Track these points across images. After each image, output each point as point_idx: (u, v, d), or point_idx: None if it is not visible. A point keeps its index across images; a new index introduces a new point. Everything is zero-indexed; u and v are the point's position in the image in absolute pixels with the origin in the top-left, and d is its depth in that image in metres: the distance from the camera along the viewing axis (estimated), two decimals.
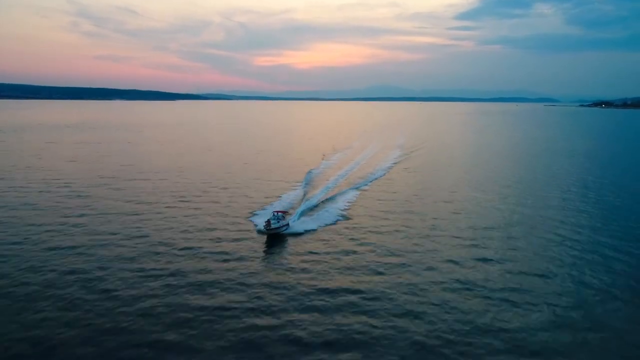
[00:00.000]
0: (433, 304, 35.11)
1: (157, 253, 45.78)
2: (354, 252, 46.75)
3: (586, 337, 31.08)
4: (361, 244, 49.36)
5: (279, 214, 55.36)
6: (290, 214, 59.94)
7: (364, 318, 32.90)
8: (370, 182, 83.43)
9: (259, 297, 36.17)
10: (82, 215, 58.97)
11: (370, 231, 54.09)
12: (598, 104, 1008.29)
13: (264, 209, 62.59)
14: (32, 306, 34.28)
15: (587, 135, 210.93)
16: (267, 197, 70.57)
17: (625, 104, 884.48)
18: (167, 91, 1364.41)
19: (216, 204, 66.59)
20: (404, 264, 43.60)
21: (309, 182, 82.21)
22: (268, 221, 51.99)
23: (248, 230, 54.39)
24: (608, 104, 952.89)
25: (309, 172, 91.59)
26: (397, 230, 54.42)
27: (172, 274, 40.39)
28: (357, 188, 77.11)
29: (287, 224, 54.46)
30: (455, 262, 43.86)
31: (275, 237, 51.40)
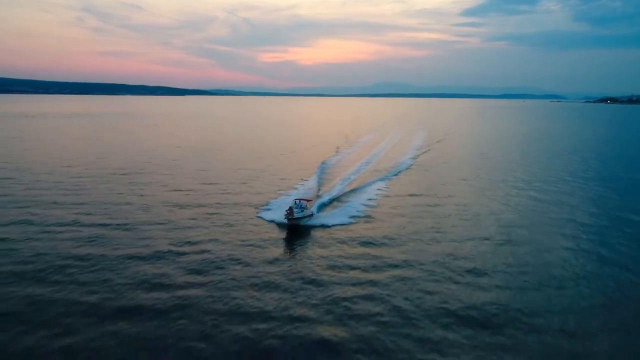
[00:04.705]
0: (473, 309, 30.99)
1: (166, 249, 40.66)
2: (386, 250, 41.49)
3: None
4: (392, 240, 43.91)
5: (301, 202, 49.30)
6: (312, 202, 53.35)
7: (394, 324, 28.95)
8: (397, 173, 79.05)
9: (283, 302, 31.59)
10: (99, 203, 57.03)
11: (399, 227, 48.31)
12: (604, 100, 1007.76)
13: (279, 198, 58.18)
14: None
15: (587, 124, 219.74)
16: (291, 183, 68.34)
17: (630, 100, 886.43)
18: (174, 87, 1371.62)
19: (235, 194, 61.94)
20: (435, 260, 39.24)
21: (326, 170, 78.89)
22: (290, 209, 45.80)
23: (265, 223, 48.92)
24: (614, 100, 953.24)
25: (323, 162, 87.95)
26: (426, 224, 49.33)
27: (182, 273, 35.92)
28: (383, 179, 72.21)
29: (312, 214, 48.36)
30: (493, 264, 38.80)
31: (297, 229, 45.70)
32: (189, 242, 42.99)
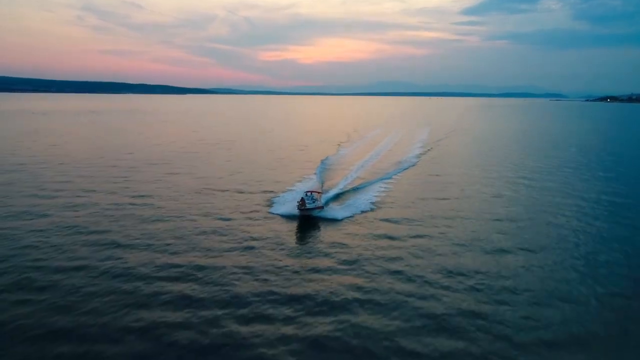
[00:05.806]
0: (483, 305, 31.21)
1: (178, 240, 42.39)
2: (399, 242, 42.49)
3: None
4: (406, 234, 44.65)
5: (312, 194, 50.69)
6: (321, 194, 54.40)
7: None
8: (405, 169, 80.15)
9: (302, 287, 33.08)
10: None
11: (411, 220, 49.16)
12: (604, 99, 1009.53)
13: (286, 191, 60.27)
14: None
15: (587, 123, 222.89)
16: (297, 178, 70.27)
17: (630, 98, 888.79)
18: (175, 85, 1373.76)
19: (244, 188, 63.47)
20: (445, 254, 39.79)
21: (331, 166, 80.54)
22: (302, 200, 47.32)
23: (276, 216, 50.05)
24: (614, 98, 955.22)
25: (328, 157, 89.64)
26: (437, 218, 50.28)
27: (199, 262, 37.13)
28: (391, 176, 72.69)
29: (322, 206, 49.28)
30: (504, 253, 40.38)
31: (308, 220, 47.20)
32: (203, 230, 45.28)
